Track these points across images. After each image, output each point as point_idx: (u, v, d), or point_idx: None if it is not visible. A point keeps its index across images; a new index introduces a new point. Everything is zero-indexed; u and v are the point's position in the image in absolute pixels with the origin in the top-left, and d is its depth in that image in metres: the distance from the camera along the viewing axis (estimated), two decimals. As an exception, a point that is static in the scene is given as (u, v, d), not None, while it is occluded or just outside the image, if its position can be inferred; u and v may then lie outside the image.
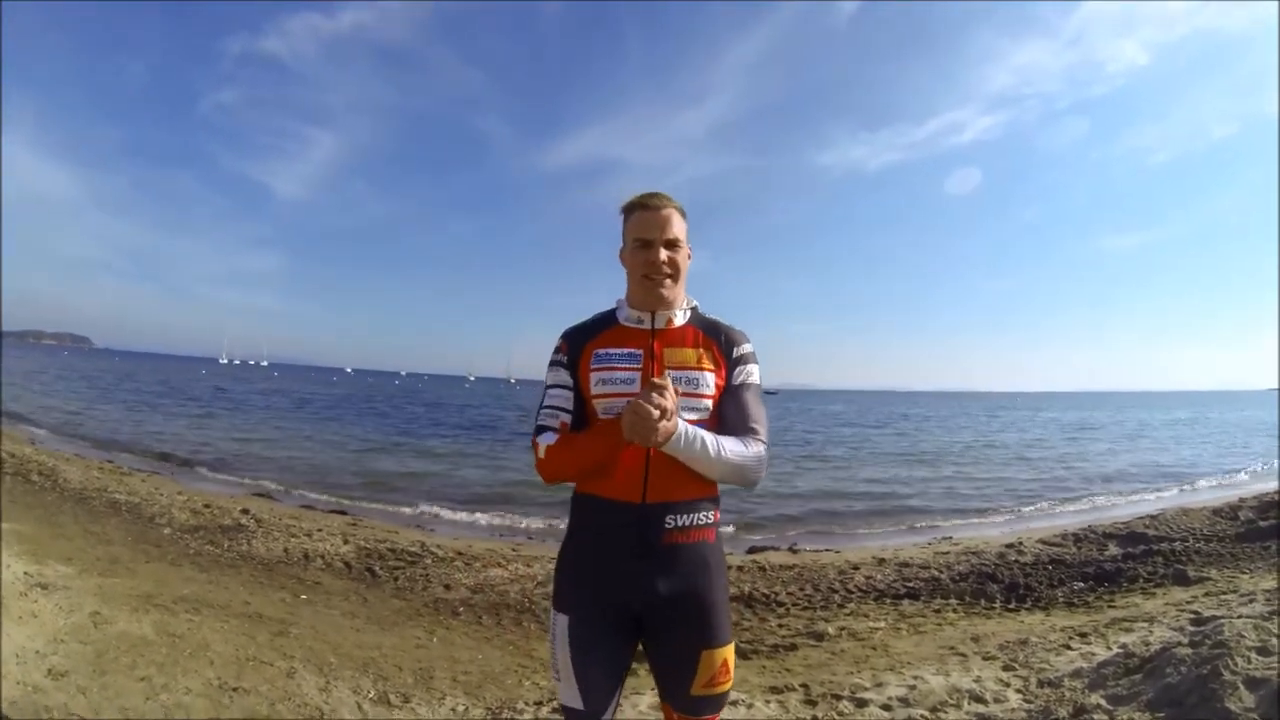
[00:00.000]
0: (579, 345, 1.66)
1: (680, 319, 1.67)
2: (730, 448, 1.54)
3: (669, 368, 1.58)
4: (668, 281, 1.62)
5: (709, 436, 1.52)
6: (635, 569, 1.53)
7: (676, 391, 1.50)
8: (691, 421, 1.54)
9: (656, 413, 1.40)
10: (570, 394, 1.64)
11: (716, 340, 1.66)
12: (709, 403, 1.60)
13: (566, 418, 1.62)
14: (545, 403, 1.65)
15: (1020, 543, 7.66)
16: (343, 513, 9.45)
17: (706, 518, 1.59)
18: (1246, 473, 16.22)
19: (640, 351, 1.61)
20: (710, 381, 1.60)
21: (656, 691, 1.66)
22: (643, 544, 1.53)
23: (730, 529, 9.42)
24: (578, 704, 1.54)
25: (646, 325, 1.65)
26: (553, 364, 1.68)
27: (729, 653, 1.59)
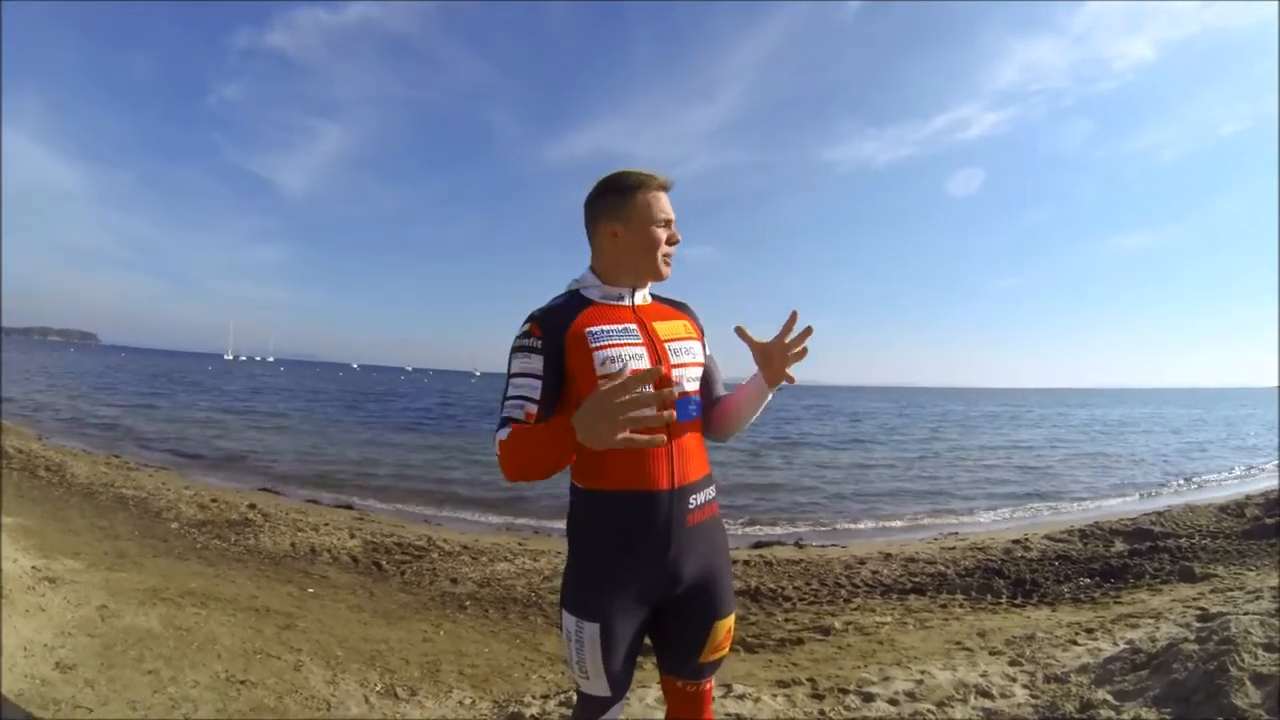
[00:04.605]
0: (559, 327, 1.47)
1: (647, 294, 1.66)
2: None
3: (666, 340, 1.56)
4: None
5: None
6: (668, 560, 1.50)
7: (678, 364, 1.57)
8: (690, 393, 1.58)
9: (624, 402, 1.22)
10: (539, 383, 1.43)
11: (688, 313, 1.71)
12: (699, 370, 1.62)
13: (533, 409, 1.42)
14: (510, 393, 1.45)
15: (1027, 539, 7.64)
16: (349, 507, 9.48)
17: (713, 492, 1.62)
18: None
19: (634, 326, 1.54)
20: (698, 351, 1.63)
21: (657, 667, 1.66)
22: (672, 532, 1.49)
23: (738, 527, 9.43)
24: (606, 693, 1.53)
25: (626, 301, 1.59)
26: (520, 350, 1.47)
27: (733, 620, 1.63)
